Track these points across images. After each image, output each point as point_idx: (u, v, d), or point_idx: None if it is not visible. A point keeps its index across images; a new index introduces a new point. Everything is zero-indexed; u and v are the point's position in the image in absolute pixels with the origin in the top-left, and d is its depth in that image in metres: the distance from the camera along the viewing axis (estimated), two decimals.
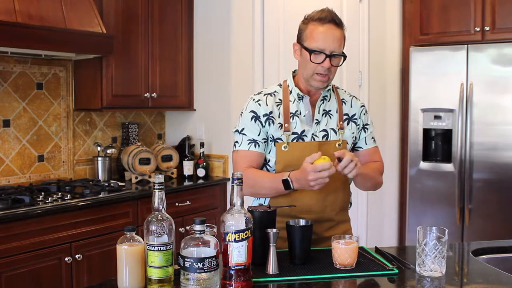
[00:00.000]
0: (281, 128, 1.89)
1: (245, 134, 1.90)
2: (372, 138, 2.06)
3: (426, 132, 3.79)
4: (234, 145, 1.93)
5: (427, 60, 3.73)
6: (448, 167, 3.69)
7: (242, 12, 3.70)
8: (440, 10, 3.81)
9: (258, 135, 1.89)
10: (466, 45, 3.60)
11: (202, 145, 3.84)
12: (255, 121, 1.89)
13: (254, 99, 1.94)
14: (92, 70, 3.34)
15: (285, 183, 1.76)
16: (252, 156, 1.89)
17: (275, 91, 1.96)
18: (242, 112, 1.95)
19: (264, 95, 1.94)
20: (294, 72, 2.01)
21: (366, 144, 2.03)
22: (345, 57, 1.86)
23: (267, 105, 1.90)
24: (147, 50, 3.57)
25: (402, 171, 4.07)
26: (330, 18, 1.82)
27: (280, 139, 1.89)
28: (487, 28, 3.62)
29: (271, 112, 1.89)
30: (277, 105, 1.92)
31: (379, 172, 2.03)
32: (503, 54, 3.49)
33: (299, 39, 1.89)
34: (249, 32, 3.67)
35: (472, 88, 3.57)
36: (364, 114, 2.03)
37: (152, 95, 3.60)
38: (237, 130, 1.93)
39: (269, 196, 1.89)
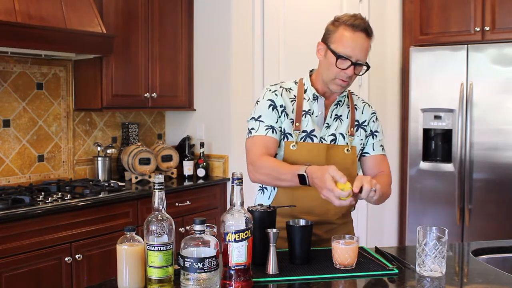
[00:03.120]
0: (292, 124, 1.88)
1: (262, 121, 1.88)
2: (381, 146, 2.02)
3: (426, 132, 3.79)
4: (250, 132, 1.90)
5: (427, 60, 3.74)
6: (448, 167, 3.69)
7: (242, 12, 3.70)
8: (440, 10, 3.81)
9: (276, 122, 1.88)
10: (466, 45, 3.60)
11: (202, 145, 3.84)
12: (272, 109, 1.88)
13: (270, 90, 1.92)
14: (92, 70, 3.34)
15: (301, 177, 1.70)
16: (268, 142, 1.86)
17: (290, 88, 1.95)
18: (258, 101, 1.93)
19: (280, 87, 1.94)
20: (311, 71, 1.99)
21: (373, 150, 2.00)
22: (368, 67, 1.85)
23: (282, 97, 1.90)
24: (147, 50, 3.57)
25: (402, 171, 4.07)
26: (363, 27, 1.80)
27: (290, 134, 1.88)
28: (487, 28, 3.62)
29: (285, 107, 1.89)
30: (291, 101, 1.91)
31: (389, 185, 1.98)
32: (503, 54, 3.49)
33: (326, 40, 1.85)
34: (249, 32, 3.67)
35: (472, 88, 3.57)
36: (373, 121, 2.01)
37: (152, 95, 3.60)
38: (253, 118, 1.91)
39: (284, 187, 1.86)
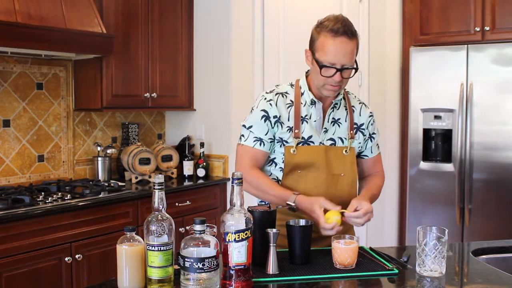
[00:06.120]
0: (289, 131, 1.88)
1: (252, 132, 1.89)
2: (377, 145, 2.07)
3: (426, 132, 3.79)
4: (240, 137, 1.93)
5: (427, 60, 3.74)
6: (448, 167, 3.69)
7: (242, 12, 3.70)
8: (440, 10, 3.81)
9: (266, 134, 1.88)
10: (466, 45, 3.60)
11: (202, 145, 3.84)
12: (265, 121, 1.88)
13: (266, 98, 1.91)
14: (92, 70, 3.34)
15: (290, 206, 1.78)
16: (256, 154, 1.89)
17: (286, 92, 1.93)
18: (252, 109, 1.93)
19: (276, 94, 1.91)
20: (307, 72, 1.97)
21: (372, 152, 2.05)
22: (356, 69, 1.82)
23: (277, 106, 1.88)
24: (147, 50, 3.57)
25: (402, 171, 4.07)
26: (343, 31, 1.75)
27: (287, 141, 1.88)
28: (487, 28, 3.62)
29: (280, 116, 1.88)
30: (288, 107, 1.90)
31: (381, 187, 2.06)
32: (503, 54, 3.49)
33: (311, 47, 1.84)
34: (249, 32, 3.67)
35: (472, 88, 3.57)
36: (371, 124, 2.02)
37: (152, 95, 3.60)
38: (244, 125, 1.92)
39: None
